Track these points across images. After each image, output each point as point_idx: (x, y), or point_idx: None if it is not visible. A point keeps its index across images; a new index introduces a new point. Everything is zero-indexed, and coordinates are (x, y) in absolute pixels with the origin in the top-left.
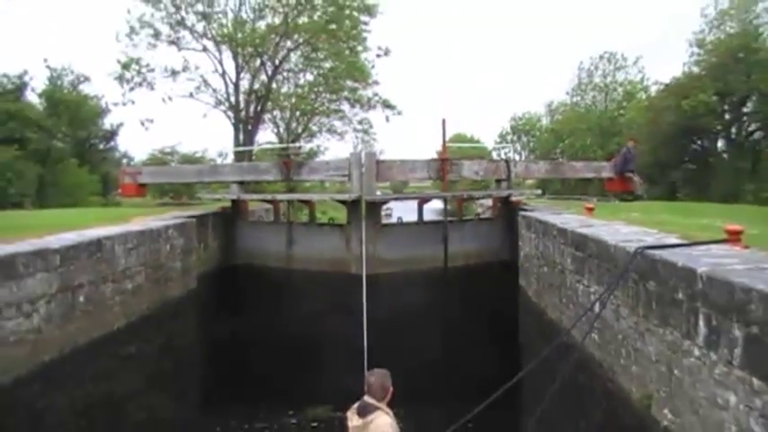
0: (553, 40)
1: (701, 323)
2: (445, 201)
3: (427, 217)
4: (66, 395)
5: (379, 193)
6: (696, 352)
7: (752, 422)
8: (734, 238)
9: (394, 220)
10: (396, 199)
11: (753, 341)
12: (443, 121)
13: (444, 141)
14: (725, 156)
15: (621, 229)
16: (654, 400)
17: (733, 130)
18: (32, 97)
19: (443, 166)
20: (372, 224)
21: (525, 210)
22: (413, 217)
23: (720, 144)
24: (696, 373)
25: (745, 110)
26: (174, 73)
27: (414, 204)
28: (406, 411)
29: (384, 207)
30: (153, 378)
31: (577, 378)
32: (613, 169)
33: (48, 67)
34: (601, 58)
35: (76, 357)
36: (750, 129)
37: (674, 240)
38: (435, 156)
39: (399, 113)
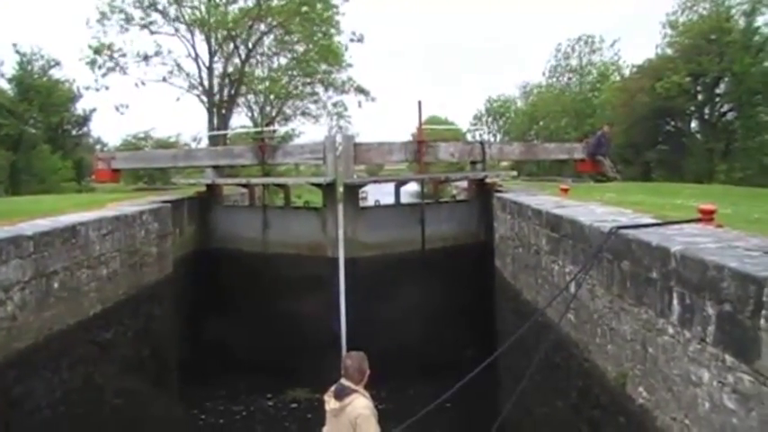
0: (529, 23)
1: (675, 301)
2: (422, 183)
3: (403, 200)
4: (43, 382)
5: (355, 176)
6: (670, 330)
7: (725, 398)
8: (707, 217)
9: (369, 202)
10: (374, 182)
11: (725, 318)
12: (419, 103)
13: (420, 123)
14: (698, 136)
15: (596, 210)
16: (629, 379)
17: (706, 110)
18: (2, 83)
19: (420, 148)
20: (351, 207)
21: (500, 191)
22: (388, 200)
23: (694, 125)
24: (670, 351)
25: (717, 91)
26: (146, 57)
27: (388, 187)
28: (385, 392)
29: (360, 190)
30: (130, 363)
31: (553, 358)
32: (585, 151)
33: (17, 51)
34: (578, 40)
35: (52, 344)
36: (723, 109)
37: (648, 220)
38: (410, 138)
39: (373, 100)
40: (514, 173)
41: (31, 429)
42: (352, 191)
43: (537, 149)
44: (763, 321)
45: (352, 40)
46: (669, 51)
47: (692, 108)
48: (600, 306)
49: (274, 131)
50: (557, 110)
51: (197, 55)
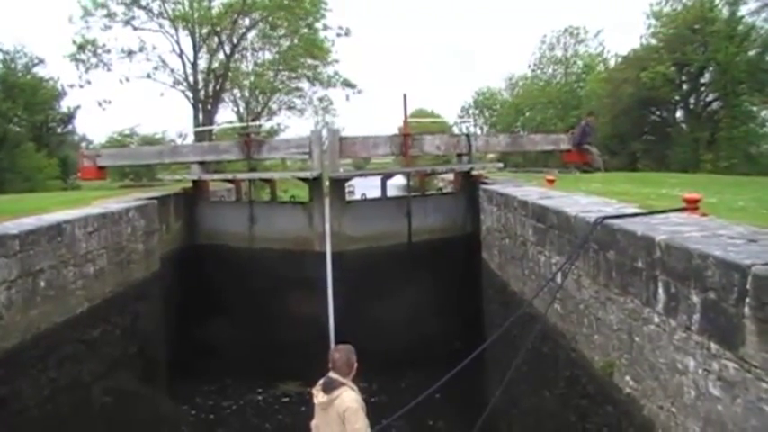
0: (515, 13)
1: (661, 290)
2: (408, 176)
3: (389, 193)
4: (31, 381)
5: (341, 170)
6: (656, 319)
7: (710, 385)
8: (692, 206)
9: (356, 196)
10: (360, 175)
11: (710, 306)
12: (404, 97)
13: (406, 117)
14: (683, 126)
15: (582, 200)
16: (616, 368)
17: (691, 100)
18: None
19: (405, 141)
20: (337, 201)
21: (486, 183)
22: (374, 194)
23: (679, 114)
24: (656, 340)
25: (702, 80)
26: (130, 53)
27: (374, 181)
28: (374, 384)
29: (347, 184)
30: (118, 361)
31: (541, 348)
32: (571, 142)
33: (0, 50)
34: (564, 31)
35: (40, 343)
36: (708, 99)
37: (633, 210)
38: (397, 132)
39: (359, 92)
40: (500, 164)
41: (19, 428)
42: (339, 185)
43: (523, 141)
44: (746, 309)
45: (339, 35)
46: (653, 42)
47: (677, 98)
48: (586, 296)
49: (260, 126)
50: (542, 101)
51: (181, 51)
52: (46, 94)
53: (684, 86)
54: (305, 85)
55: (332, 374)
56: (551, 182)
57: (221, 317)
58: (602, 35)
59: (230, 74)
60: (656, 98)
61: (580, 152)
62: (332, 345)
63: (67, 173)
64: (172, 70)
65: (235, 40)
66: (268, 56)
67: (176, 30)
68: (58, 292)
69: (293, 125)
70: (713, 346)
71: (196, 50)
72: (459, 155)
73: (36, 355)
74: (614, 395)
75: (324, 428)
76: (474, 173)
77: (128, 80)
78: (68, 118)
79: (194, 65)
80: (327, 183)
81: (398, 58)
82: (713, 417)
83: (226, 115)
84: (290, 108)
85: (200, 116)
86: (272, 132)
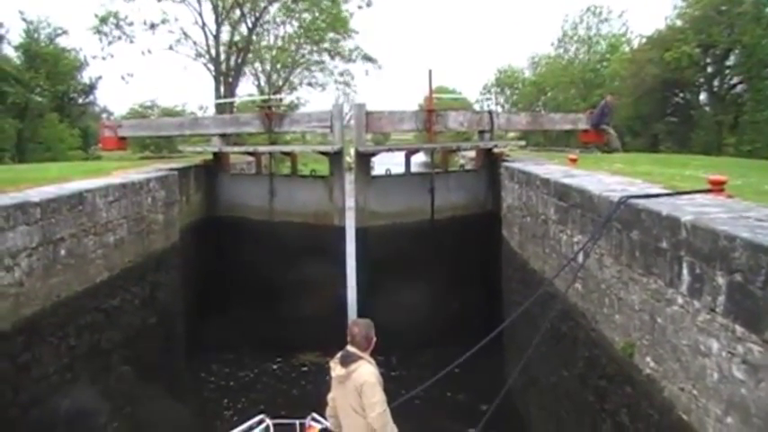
0: None
1: (685, 271)
2: (432, 153)
3: (412, 170)
4: (51, 349)
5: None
6: (679, 300)
7: (734, 368)
8: (717, 188)
9: (375, 172)
10: (388, 150)
11: (736, 288)
12: (430, 72)
13: (431, 92)
14: (707, 109)
15: (605, 180)
16: (636, 349)
17: (715, 82)
18: (9, 50)
19: (430, 117)
20: (362, 176)
21: (508, 161)
22: (395, 170)
23: (703, 97)
24: (679, 321)
25: (727, 63)
26: (153, 26)
27: (393, 158)
28: (393, 358)
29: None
30: (137, 330)
31: (560, 328)
32: (589, 121)
33: (24, 19)
34: (587, 10)
35: (59, 311)
36: (732, 82)
37: (658, 190)
38: (418, 107)
39: (380, 68)
40: (523, 142)
41: (38, 395)
42: (365, 159)
43: (543, 120)
44: None
45: (360, 7)
46: (679, 23)
47: (701, 80)
48: (608, 276)
49: (281, 99)
50: (565, 80)
51: (204, 23)
52: (68, 65)
53: (709, 68)
54: (326, 58)
55: (350, 348)
56: (574, 161)
57: (240, 288)
58: (626, 15)
59: (252, 47)
60: (680, 80)
61: (597, 132)
62: (351, 318)
63: (88, 143)
64: (194, 43)
65: (257, 14)
66: (290, 29)
67: (199, 2)
68: (78, 260)
69: (313, 100)
70: (738, 328)
71: (219, 23)
72: (482, 132)
73: (56, 323)
74: (634, 376)
75: (341, 401)
76: (496, 150)
77: (150, 52)
78: (90, 88)
79: (216, 37)
80: (349, 157)
81: (418, 33)
82: (736, 399)
83: (247, 88)
84: (310, 83)
85: (222, 89)
86: (293, 107)
